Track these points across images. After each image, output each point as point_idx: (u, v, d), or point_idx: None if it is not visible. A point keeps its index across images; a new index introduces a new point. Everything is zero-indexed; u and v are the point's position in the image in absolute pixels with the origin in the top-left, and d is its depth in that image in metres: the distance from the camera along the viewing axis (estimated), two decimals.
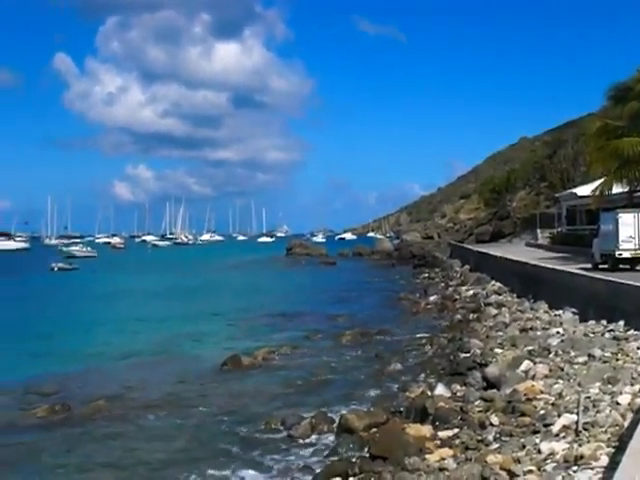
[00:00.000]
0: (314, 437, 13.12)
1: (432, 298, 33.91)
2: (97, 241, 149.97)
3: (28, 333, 27.67)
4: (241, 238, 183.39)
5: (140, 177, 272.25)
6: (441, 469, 9.67)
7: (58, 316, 33.36)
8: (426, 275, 49.46)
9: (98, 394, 16.87)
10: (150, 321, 31.32)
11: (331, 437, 13.03)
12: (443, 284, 40.51)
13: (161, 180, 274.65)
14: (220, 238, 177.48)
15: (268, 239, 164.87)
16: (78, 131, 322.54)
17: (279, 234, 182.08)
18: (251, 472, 11.51)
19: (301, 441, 12.96)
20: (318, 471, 11.12)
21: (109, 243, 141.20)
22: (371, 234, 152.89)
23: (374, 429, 12.60)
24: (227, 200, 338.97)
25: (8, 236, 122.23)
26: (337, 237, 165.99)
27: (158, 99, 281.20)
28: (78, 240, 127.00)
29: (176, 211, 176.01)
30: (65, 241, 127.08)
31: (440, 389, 14.50)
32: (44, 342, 25.48)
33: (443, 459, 10.09)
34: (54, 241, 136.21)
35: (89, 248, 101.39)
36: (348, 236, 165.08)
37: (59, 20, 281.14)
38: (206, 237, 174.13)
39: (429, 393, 14.36)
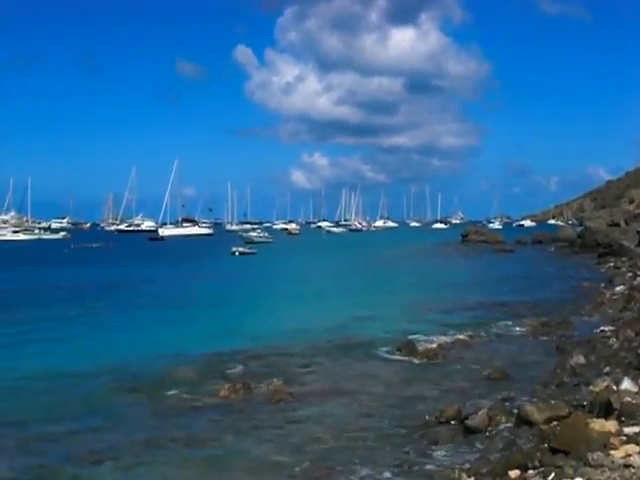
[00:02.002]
0: (491, 428, 12.67)
1: (618, 288, 32.00)
2: (274, 227, 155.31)
3: (211, 312, 29.10)
4: (415, 225, 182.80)
5: (316, 164, 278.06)
6: (626, 466, 8.98)
7: (239, 296, 34.88)
8: (611, 264, 46.84)
9: (277, 374, 17.23)
10: (325, 303, 31.83)
11: (509, 429, 12.52)
12: (630, 274, 38.08)
13: (336, 167, 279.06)
14: (394, 224, 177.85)
15: (442, 226, 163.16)
16: (257, 120, 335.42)
17: (454, 221, 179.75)
18: (424, 460, 11.27)
19: (478, 432, 12.55)
20: (496, 462, 10.71)
21: (286, 229, 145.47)
22: (552, 221, 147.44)
23: (555, 422, 11.94)
24: (401, 186, 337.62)
25: (194, 222, 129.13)
26: (515, 224, 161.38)
27: (334, 87, 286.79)
28: (256, 226, 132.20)
29: (350, 198, 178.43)
30: (245, 227, 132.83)
31: (626, 384, 13.52)
32: (226, 319, 26.66)
33: (629, 455, 9.39)
34: (235, 227, 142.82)
35: (266, 234, 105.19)
36: (527, 223, 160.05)
37: (240, 13, 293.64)
38: (380, 223, 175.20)
39: (614, 387, 13.44)
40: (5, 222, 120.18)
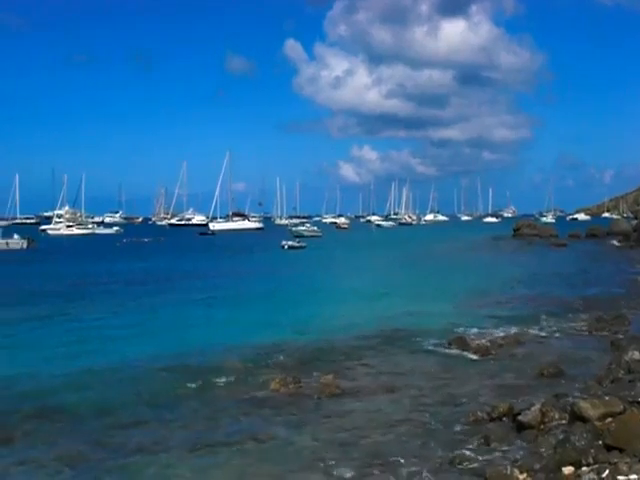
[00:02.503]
0: (544, 424, 12.47)
1: None
2: (324, 221, 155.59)
3: (261, 304, 29.45)
4: (465, 218, 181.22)
5: (365, 158, 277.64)
6: None
7: (289, 289, 35.10)
8: None
9: (326, 368, 17.28)
10: (374, 296, 31.82)
11: (563, 425, 12.32)
12: None
13: (385, 161, 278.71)
14: (444, 218, 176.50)
15: (494, 219, 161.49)
16: (307, 115, 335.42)
17: (505, 214, 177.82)
18: (475, 457, 11.15)
19: (530, 428, 12.37)
20: (549, 459, 10.56)
21: (335, 223, 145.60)
22: (606, 214, 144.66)
23: (609, 419, 11.72)
24: (452, 180, 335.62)
25: (244, 216, 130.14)
26: (568, 217, 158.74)
27: (383, 80, 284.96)
28: (305, 220, 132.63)
29: (400, 191, 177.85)
30: (294, 221, 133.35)
31: None
32: (276, 312, 26.92)
33: None
34: (284, 221, 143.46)
35: (315, 228, 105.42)
36: (581, 217, 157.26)
37: (289, 8, 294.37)
38: (430, 217, 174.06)
39: None
40: (60, 217, 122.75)
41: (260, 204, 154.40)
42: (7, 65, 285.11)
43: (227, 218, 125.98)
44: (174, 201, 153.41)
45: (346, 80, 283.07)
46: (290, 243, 71.45)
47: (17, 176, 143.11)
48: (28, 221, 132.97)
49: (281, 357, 18.76)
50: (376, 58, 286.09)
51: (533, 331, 22.59)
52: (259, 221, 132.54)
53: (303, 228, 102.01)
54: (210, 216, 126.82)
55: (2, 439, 12.16)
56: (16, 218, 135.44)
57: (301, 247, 70.32)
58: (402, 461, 11.08)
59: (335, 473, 10.65)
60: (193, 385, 15.92)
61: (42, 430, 12.72)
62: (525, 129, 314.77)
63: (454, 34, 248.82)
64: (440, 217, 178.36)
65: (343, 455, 11.39)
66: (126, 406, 14.30)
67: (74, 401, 14.64)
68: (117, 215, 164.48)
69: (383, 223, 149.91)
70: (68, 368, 17.43)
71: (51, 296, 31.85)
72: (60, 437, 12.41)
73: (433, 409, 14.00)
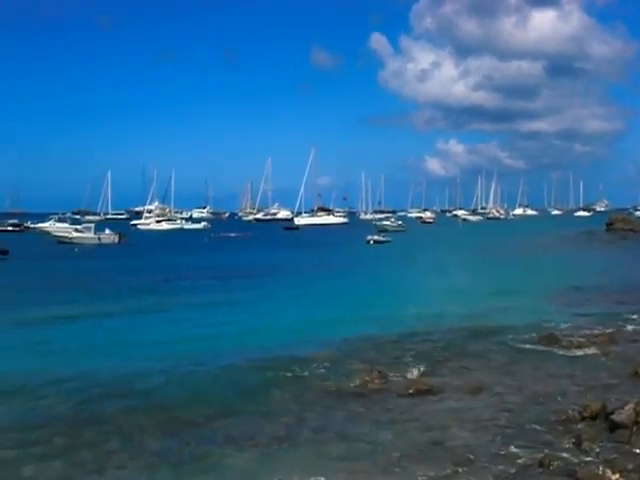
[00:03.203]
0: (638, 424, 12.02)
1: None
2: (409, 215, 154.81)
3: (348, 298, 29.72)
4: (556, 213, 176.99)
5: (451, 152, 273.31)
6: None
7: (374, 283, 35.30)
8: None
9: (413, 363, 17.17)
10: (461, 291, 31.70)
11: None
12: None
13: (472, 154, 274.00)
14: (534, 213, 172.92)
15: (585, 213, 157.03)
16: (392, 108, 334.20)
17: (598, 208, 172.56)
18: (567, 457, 10.82)
19: (623, 427, 11.96)
20: None
21: (420, 217, 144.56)
22: None
23: None
24: (541, 173, 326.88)
25: (329, 211, 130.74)
26: None
27: (470, 72, 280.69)
28: (390, 215, 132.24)
29: (487, 185, 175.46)
30: (378, 216, 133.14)
31: None
32: (362, 306, 27.13)
33: None
34: (369, 216, 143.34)
35: (400, 222, 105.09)
36: None
37: (375, 1, 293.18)
38: (519, 212, 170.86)
39: None
40: (150, 212, 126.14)
41: (345, 199, 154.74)
42: (98, 64, 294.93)
43: (312, 213, 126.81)
44: (259, 196, 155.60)
45: (432, 73, 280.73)
46: (375, 238, 71.40)
47: (109, 173, 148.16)
48: (119, 216, 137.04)
49: (367, 351, 18.75)
50: (463, 50, 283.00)
51: (627, 329, 21.83)
52: (344, 216, 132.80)
53: (387, 223, 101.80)
54: (295, 211, 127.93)
55: (105, 431, 12.49)
56: (108, 214, 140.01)
57: (386, 242, 70.11)
58: (489, 462, 10.86)
59: (419, 473, 10.51)
60: (282, 378, 16.05)
61: (135, 421, 13.05)
62: (618, 120, 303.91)
63: (544, 24, 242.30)
64: (529, 211, 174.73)
65: (428, 455, 11.24)
66: (216, 398, 14.52)
67: (165, 391, 15.04)
68: (204, 210, 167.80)
69: (470, 217, 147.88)
70: (160, 359, 17.89)
71: (144, 290, 32.81)
72: (151, 428, 12.72)
73: (522, 408, 13.70)
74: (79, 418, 13.16)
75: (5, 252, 50.09)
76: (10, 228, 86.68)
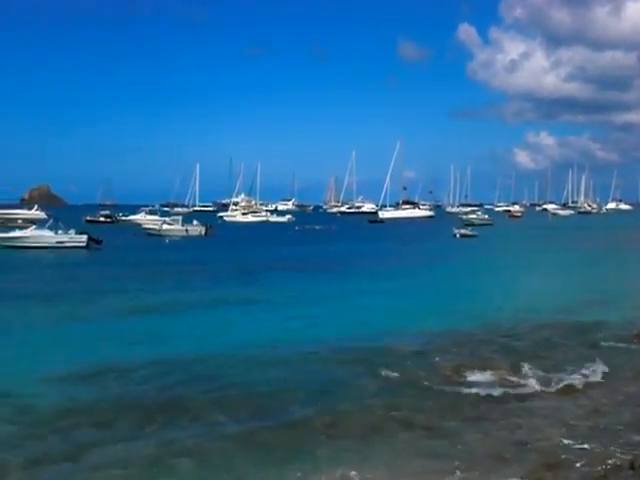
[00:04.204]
0: None
1: None
2: (496, 209, 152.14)
3: (433, 291, 29.68)
4: None
5: (541, 144, 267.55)
6: None
7: (464, 277, 35.17)
8: None
9: (499, 360, 16.69)
10: (550, 286, 31.40)
11: None
12: None
13: (563, 147, 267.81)
14: (627, 207, 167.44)
15: None
16: (480, 100, 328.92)
17: None
18: None
19: None
20: None
21: (508, 211, 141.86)
22: None
23: None
24: (635, 166, 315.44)
25: (414, 205, 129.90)
26: None
27: (562, 63, 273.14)
28: (476, 208, 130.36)
29: (579, 178, 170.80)
30: (465, 209, 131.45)
31: None
32: (449, 299, 27.19)
33: None
34: (455, 209, 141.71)
35: (486, 216, 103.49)
36: None
37: None
38: (612, 206, 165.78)
39: None
40: (236, 205, 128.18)
41: (431, 192, 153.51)
42: (189, 61, 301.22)
43: (396, 206, 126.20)
44: (344, 189, 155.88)
45: (522, 64, 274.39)
46: (462, 231, 70.51)
47: (197, 166, 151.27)
48: (207, 209, 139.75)
49: (450, 345, 18.35)
50: (554, 40, 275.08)
51: None
52: (430, 209, 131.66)
53: (474, 216, 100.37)
54: (380, 204, 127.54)
55: (190, 416, 12.65)
56: (195, 206, 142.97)
57: (473, 235, 69.15)
58: (578, 463, 10.46)
59: (506, 473, 10.19)
60: (361, 369, 15.91)
61: (219, 407, 13.13)
62: None
63: (639, 13, 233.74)
64: (623, 205, 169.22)
65: (516, 455, 10.87)
66: (299, 388, 14.45)
67: (251, 381, 15.03)
68: (290, 203, 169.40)
69: (560, 212, 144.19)
70: (249, 349, 17.99)
71: (231, 279, 33.18)
72: (234, 415, 12.77)
73: (615, 409, 13.18)
74: (173, 403, 13.31)
75: (99, 242, 51.64)
76: (102, 219, 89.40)
